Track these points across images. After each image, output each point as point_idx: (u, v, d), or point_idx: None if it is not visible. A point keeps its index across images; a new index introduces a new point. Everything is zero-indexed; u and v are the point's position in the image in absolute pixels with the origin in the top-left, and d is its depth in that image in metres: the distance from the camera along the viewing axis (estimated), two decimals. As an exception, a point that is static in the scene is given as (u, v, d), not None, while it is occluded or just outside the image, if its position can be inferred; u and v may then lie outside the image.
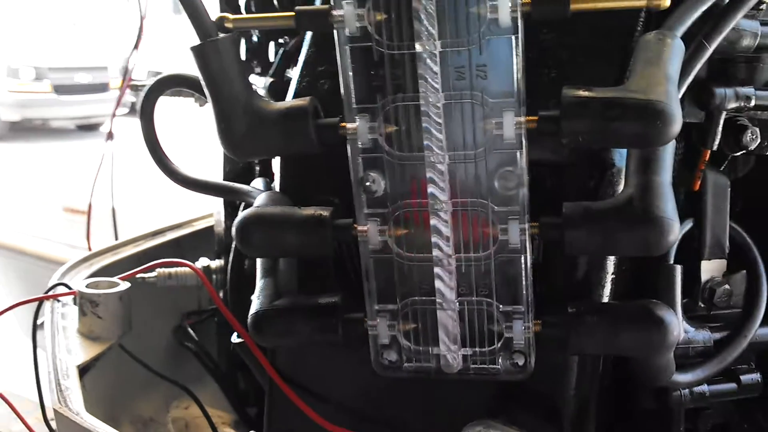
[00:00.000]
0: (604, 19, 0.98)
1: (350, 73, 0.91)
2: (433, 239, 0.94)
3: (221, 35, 0.97)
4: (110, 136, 2.27)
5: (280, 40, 1.56)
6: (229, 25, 0.97)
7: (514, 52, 0.87)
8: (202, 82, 0.98)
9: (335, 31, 0.90)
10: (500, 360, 0.97)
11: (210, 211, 2.02)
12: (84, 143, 8.90)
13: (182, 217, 2.13)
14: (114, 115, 2.18)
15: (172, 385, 1.71)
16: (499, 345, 0.96)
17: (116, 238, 2.35)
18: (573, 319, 0.94)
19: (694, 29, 0.96)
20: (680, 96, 0.95)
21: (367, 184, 0.94)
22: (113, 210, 2.29)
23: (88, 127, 10.62)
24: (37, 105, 10.35)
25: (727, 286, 1.13)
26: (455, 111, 0.90)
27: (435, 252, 0.95)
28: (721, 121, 1.07)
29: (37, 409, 1.49)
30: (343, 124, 0.94)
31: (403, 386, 1.06)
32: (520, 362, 0.96)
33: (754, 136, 1.09)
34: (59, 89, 10.38)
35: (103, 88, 10.41)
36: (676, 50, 0.91)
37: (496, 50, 0.88)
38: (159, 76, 1.32)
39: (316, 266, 1.11)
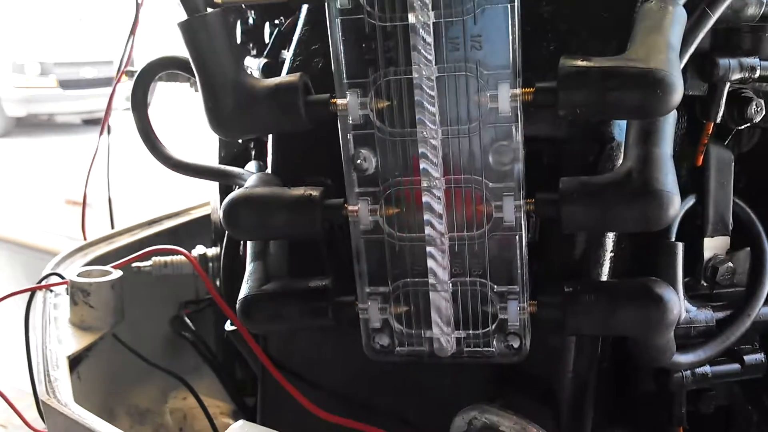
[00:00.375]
0: None
1: (341, 47, 0.89)
2: (426, 217, 0.91)
3: (209, 10, 0.94)
4: (107, 126, 2.24)
5: (276, 21, 1.53)
6: (217, 0, 0.94)
7: (510, 22, 0.84)
8: (190, 59, 0.95)
9: (326, 4, 0.87)
10: (495, 342, 0.94)
11: (207, 199, 1.99)
12: (89, 137, 8.89)
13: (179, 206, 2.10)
14: (110, 103, 2.15)
15: (169, 376, 1.68)
16: (493, 327, 0.93)
17: (112, 228, 2.33)
18: (569, 299, 0.91)
19: None
20: (682, 66, 0.91)
21: (358, 161, 0.92)
22: (109, 200, 2.26)
23: (93, 122, 10.62)
24: (42, 100, 10.34)
25: (730, 264, 1.09)
26: (449, 84, 0.87)
27: (427, 230, 0.91)
28: (725, 93, 1.04)
29: (38, 402, 1.46)
30: (334, 100, 0.91)
31: (396, 371, 1.03)
32: (515, 344, 0.93)
33: (758, 109, 1.05)
34: (65, 84, 10.39)
35: (108, 82, 10.33)
36: (677, 18, 0.88)
37: (492, 20, 0.85)
38: (150, 60, 1.29)
39: (306, 249, 1.08)
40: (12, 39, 10.28)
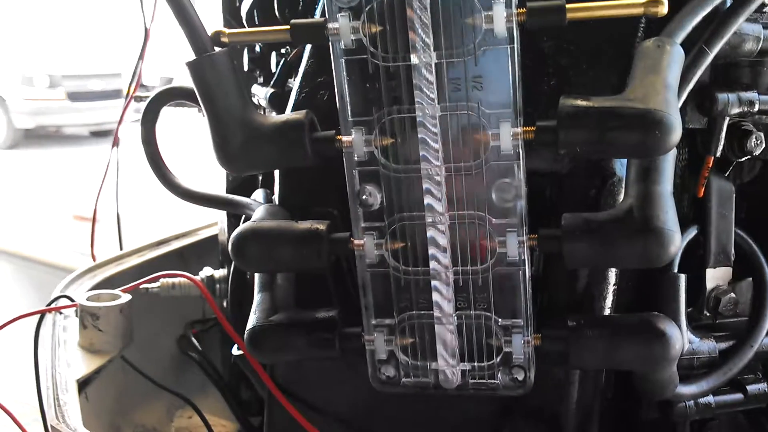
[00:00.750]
0: (603, 26, 0.96)
1: (346, 86, 0.90)
2: (431, 251, 0.92)
3: (217, 49, 0.95)
4: (116, 143, 2.27)
5: (282, 50, 1.55)
6: (224, 39, 0.95)
7: (510, 63, 0.85)
8: (198, 97, 0.96)
9: (330, 44, 0.89)
10: (500, 375, 0.95)
11: (214, 220, 2.01)
12: (97, 149, 8.95)
13: (187, 226, 2.12)
14: (120, 123, 2.18)
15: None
16: (498, 359, 0.95)
17: (121, 246, 2.35)
18: (573, 333, 0.92)
19: (695, 34, 0.94)
20: (682, 102, 0.92)
21: (364, 197, 0.93)
22: (118, 217, 2.29)
23: (101, 134, 10.68)
24: (51, 112, 10.41)
25: (732, 295, 1.10)
26: (452, 122, 0.88)
27: (432, 264, 0.93)
28: (725, 127, 1.05)
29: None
30: (339, 137, 0.92)
31: (403, 400, 1.04)
32: (520, 377, 0.94)
33: (758, 141, 1.06)
34: (73, 96, 10.45)
35: (116, 94, 10.44)
36: (675, 57, 0.89)
37: (493, 61, 0.86)
38: (158, 90, 1.31)
39: (313, 280, 1.09)
40: (21, 51, 10.35)
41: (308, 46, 1.16)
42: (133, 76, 2.01)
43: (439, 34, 0.86)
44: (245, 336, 1.03)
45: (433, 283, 0.93)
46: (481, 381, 0.96)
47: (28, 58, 10.36)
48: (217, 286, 1.75)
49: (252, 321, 1.04)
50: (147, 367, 1.67)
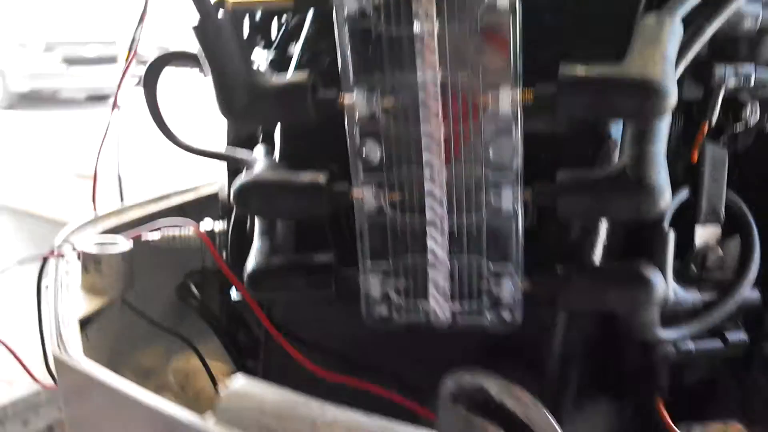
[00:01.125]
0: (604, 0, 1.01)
1: (348, 50, 0.94)
2: (427, 202, 0.97)
3: (221, 13, 0.99)
4: (115, 105, 2.29)
5: (283, 19, 1.58)
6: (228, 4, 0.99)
7: (511, 31, 0.89)
8: (203, 60, 1.00)
9: (334, 10, 0.93)
10: (488, 315, 1.00)
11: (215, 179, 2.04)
12: (94, 112, 8.92)
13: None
14: (120, 86, 2.20)
15: (173, 339, 1.72)
16: (487, 301, 1.00)
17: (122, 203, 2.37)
18: (562, 278, 0.98)
19: (696, 11, 0.98)
20: (680, 74, 0.97)
21: (364, 153, 0.97)
22: (119, 177, 2.31)
23: (97, 98, 10.64)
24: (47, 76, 10.37)
25: (720, 253, 1.13)
26: (452, 85, 0.92)
27: (429, 214, 0.97)
28: (720, 97, 1.08)
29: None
30: (341, 96, 0.96)
31: (395, 337, 1.08)
32: (508, 318, 1.00)
33: (753, 111, 1.10)
34: (69, 61, 10.40)
35: (111, 60, 10.44)
36: (674, 32, 0.94)
37: (494, 28, 0.90)
38: (159, 54, 1.35)
39: (312, 227, 1.14)
40: (18, 16, 10.28)
41: (310, 13, 1.19)
42: (132, 41, 2.02)
43: (443, 3, 0.89)
44: (246, 275, 1.08)
45: (429, 230, 0.98)
46: (471, 317, 1.01)
47: (24, 23, 10.28)
48: (217, 238, 1.79)
49: (252, 262, 1.09)
50: (147, 313, 1.70)
